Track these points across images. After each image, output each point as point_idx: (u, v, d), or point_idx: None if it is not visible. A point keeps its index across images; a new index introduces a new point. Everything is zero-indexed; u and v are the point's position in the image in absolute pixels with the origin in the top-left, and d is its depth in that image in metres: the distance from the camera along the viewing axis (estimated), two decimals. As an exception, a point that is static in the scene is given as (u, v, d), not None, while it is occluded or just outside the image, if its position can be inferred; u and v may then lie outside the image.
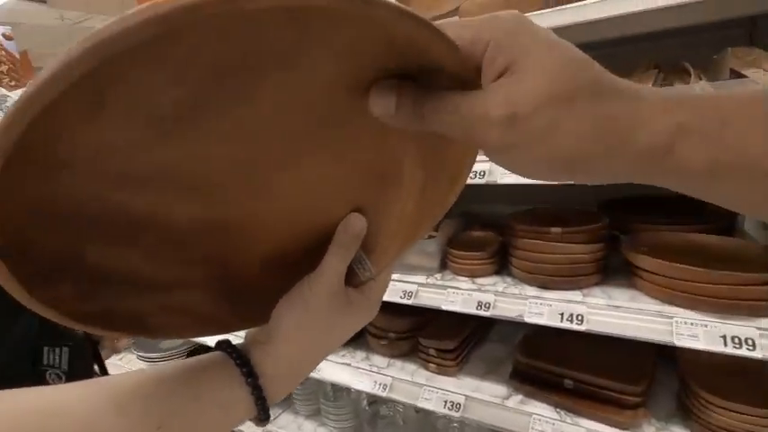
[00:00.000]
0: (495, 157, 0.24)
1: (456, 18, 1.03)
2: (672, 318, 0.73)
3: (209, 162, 0.24)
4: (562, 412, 0.88)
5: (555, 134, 0.21)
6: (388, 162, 0.30)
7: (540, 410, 0.89)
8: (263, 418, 0.31)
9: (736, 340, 0.68)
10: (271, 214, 0.29)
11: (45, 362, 0.47)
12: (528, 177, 0.25)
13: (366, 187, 0.31)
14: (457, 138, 0.24)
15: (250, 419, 0.31)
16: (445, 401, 0.96)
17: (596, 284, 0.88)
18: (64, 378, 0.50)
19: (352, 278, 0.34)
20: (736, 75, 0.69)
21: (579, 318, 0.80)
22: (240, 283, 0.32)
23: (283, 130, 0.24)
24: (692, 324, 0.72)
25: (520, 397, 0.94)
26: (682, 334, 0.71)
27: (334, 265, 0.31)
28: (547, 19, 0.77)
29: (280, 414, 1.39)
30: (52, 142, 0.19)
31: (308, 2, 0.18)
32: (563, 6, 0.75)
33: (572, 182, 0.24)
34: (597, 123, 0.21)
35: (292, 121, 0.24)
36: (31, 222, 0.21)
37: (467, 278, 0.99)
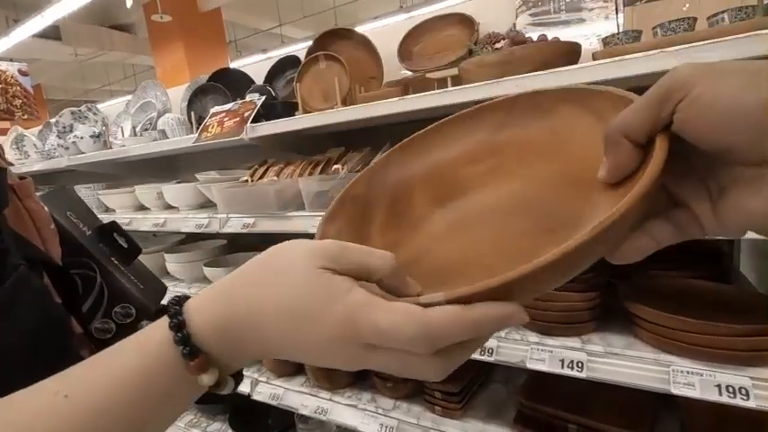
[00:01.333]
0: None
1: (455, 70, 1.09)
2: (669, 366, 0.75)
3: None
4: (566, 458, 0.89)
5: None
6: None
7: (545, 456, 0.90)
8: (185, 353, 0.26)
9: (731, 389, 0.70)
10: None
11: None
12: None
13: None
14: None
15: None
16: (450, 446, 0.97)
17: (595, 331, 0.90)
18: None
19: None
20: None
21: (579, 365, 0.82)
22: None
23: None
24: (688, 373, 0.74)
25: (524, 441, 0.95)
26: (678, 382, 0.73)
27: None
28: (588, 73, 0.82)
29: (285, 455, 1.39)
30: None
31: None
32: (553, 70, 0.80)
33: None
34: None
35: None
36: None
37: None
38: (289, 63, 1.61)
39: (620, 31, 0.90)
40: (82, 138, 1.83)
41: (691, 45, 0.68)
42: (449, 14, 1.38)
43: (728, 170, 0.25)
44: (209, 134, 1.39)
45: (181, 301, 0.28)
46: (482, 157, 0.39)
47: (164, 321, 0.27)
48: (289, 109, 1.33)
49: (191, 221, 1.39)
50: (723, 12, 0.74)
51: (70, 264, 0.48)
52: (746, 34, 0.65)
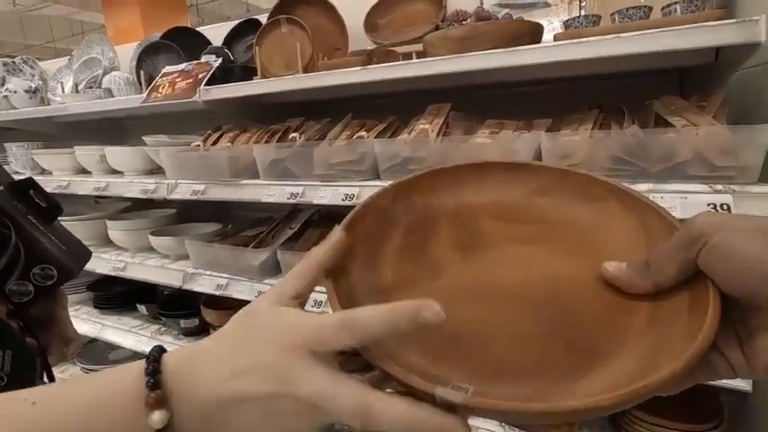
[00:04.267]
0: None
1: (420, 46, 1.08)
2: None
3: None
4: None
5: None
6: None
7: None
8: (149, 384, 0.27)
9: None
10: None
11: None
12: None
13: None
14: None
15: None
16: None
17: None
18: (6, 380, 0.48)
19: None
20: (663, 121, 0.77)
21: None
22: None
23: None
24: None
25: None
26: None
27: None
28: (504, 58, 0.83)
29: None
30: None
31: None
32: (514, 48, 0.81)
33: None
34: None
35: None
36: None
37: None
38: (250, 27, 1.53)
39: (583, 14, 0.91)
40: (15, 92, 1.67)
41: (644, 32, 0.70)
42: (417, -12, 1.35)
43: (755, 314, 0.27)
44: (159, 95, 1.31)
45: (164, 350, 0.30)
46: (512, 216, 0.38)
47: (143, 361, 0.29)
48: (247, 74, 1.27)
49: (135, 186, 1.31)
50: (676, 3, 0.76)
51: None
52: (693, 25, 0.67)
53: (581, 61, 0.76)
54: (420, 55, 1.04)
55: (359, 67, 0.99)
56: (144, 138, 1.46)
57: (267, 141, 1.17)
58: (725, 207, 0.63)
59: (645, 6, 0.78)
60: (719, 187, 0.65)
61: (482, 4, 1.14)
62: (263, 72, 1.24)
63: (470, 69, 0.85)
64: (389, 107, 1.26)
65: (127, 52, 1.73)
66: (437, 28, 1.21)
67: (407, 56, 1.07)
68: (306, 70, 1.18)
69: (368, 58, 1.09)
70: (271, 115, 1.40)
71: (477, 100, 1.28)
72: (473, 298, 0.33)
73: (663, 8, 0.78)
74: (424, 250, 0.36)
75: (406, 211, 0.38)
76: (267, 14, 1.37)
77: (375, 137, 0.99)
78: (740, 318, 0.28)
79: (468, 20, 1.12)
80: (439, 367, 0.28)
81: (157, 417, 0.27)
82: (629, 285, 0.31)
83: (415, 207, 0.39)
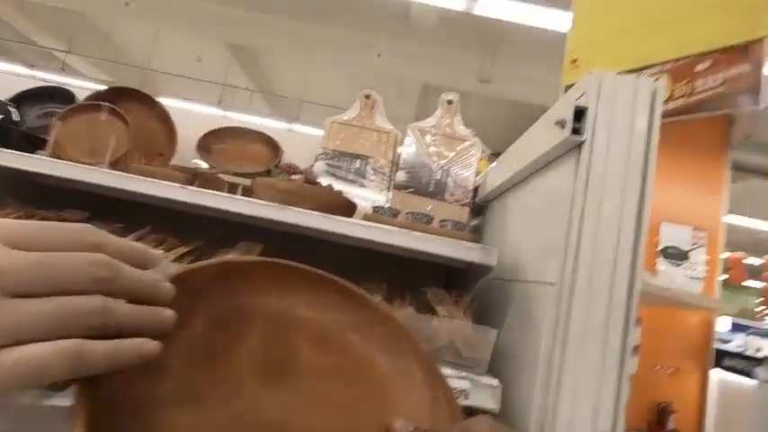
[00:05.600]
0: None
1: (248, 181, 1.12)
2: None
3: None
4: None
5: None
6: None
7: None
8: None
9: None
10: None
11: None
12: None
13: None
14: None
15: None
16: None
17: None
18: None
19: None
20: (431, 307, 0.94)
21: None
22: None
23: None
24: None
25: None
26: None
27: None
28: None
29: None
30: None
31: None
32: (329, 216, 0.92)
33: None
34: None
35: None
36: None
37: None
38: (57, 94, 1.35)
39: (388, 205, 1.11)
40: None
41: (424, 235, 0.90)
42: (259, 132, 1.47)
43: None
44: None
45: None
46: (322, 341, 0.36)
47: None
48: (29, 144, 1.07)
49: None
50: (448, 221, 1.02)
51: None
52: (455, 240, 0.90)
53: (377, 243, 0.91)
54: (246, 191, 1.07)
55: (179, 185, 0.95)
56: None
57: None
58: (464, 392, 0.76)
59: (429, 215, 1.01)
60: (463, 374, 0.80)
61: (312, 167, 1.30)
62: (56, 150, 1.07)
63: (288, 222, 0.91)
64: (199, 228, 1.20)
65: None
66: (268, 172, 1.29)
67: (233, 186, 1.09)
68: (114, 165, 1.06)
69: (192, 178, 1.06)
70: (47, 197, 1.16)
71: (289, 248, 1.33)
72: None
73: (441, 221, 1.03)
74: (225, 358, 0.31)
75: (219, 298, 0.33)
76: (80, 82, 1.24)
77: (174, 260, 0.91)
78: None
79: (298, 175, 1.24)
80: None
81: None
82: None
83: (233, 297, 0.33)
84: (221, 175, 1.11)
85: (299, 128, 7.78)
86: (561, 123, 0.71)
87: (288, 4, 4.87)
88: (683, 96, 1.62)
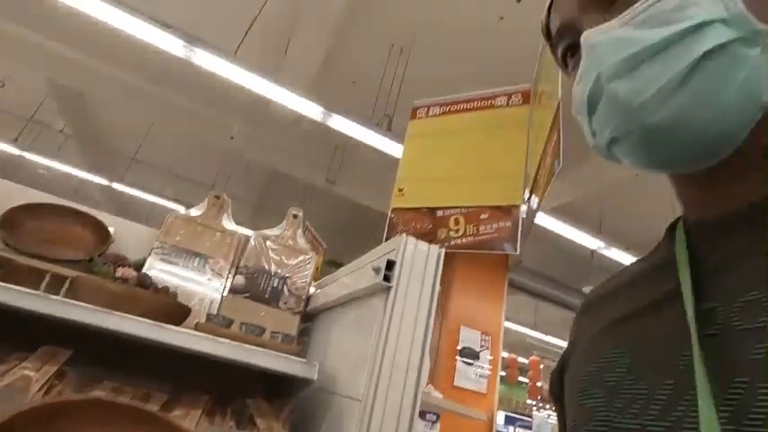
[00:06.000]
0: None
1: (75, 273, 1.03)
2: None
3: None
4: None
5: None
6: None
7: None
8: None
9: None
10: None
11: None
12: None
13: None
14: None
15: None
16: None
17: None
18: None
19: None
20: (253, 420, 0.99)
21: None
22: None
23: None
24: None
25: None
26: None
27: None
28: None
29: None
30: None
31: None
32: (162, 325, 0.93)
33: None
34: None
35: None
36: None
37: None
38: None
39: (220, 313, 1.16)
40: None
41: (253, 347, 0.98)
42: (86, 212, 1.37)
43: None
44: None
45: None
46: None
47: None
48: None
49: None
50: (279, 333, 1.12)
51: None
52: (281, 354, 1.00)
53: (207, 354, 0.95)
54: (70, 284, 0.99)
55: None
56: None
57: None
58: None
59: (261, 327, 1.10)
60: (274, 488, 0.86)
61: (146, 260, 1.26)
62: None
63: (119, 330, 0.89)
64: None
65: None
66: (91, 260, 1.21)
67: (58, 279, 1.00)
68: None
69: (-8, 266, 0.94)
70: None
71: (109, 349, 1.22)
72: None
73: (272, 332, 1.12)
74: None
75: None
76: None
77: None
78: None
79: (126, 269, 1.19)
80: None
81: None
82: None
83: None
84: (40, 266, 1.01)
85: (120, 187, 6.95)
86: (377, 270, 0.92)
87: (137, 63, 4.64)
88: (472, 235, 2.13)
